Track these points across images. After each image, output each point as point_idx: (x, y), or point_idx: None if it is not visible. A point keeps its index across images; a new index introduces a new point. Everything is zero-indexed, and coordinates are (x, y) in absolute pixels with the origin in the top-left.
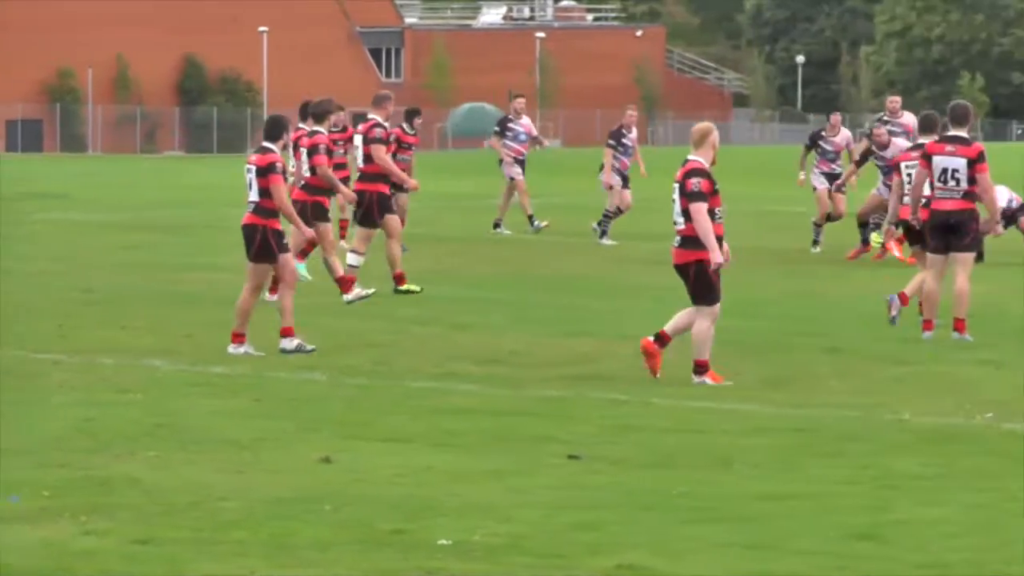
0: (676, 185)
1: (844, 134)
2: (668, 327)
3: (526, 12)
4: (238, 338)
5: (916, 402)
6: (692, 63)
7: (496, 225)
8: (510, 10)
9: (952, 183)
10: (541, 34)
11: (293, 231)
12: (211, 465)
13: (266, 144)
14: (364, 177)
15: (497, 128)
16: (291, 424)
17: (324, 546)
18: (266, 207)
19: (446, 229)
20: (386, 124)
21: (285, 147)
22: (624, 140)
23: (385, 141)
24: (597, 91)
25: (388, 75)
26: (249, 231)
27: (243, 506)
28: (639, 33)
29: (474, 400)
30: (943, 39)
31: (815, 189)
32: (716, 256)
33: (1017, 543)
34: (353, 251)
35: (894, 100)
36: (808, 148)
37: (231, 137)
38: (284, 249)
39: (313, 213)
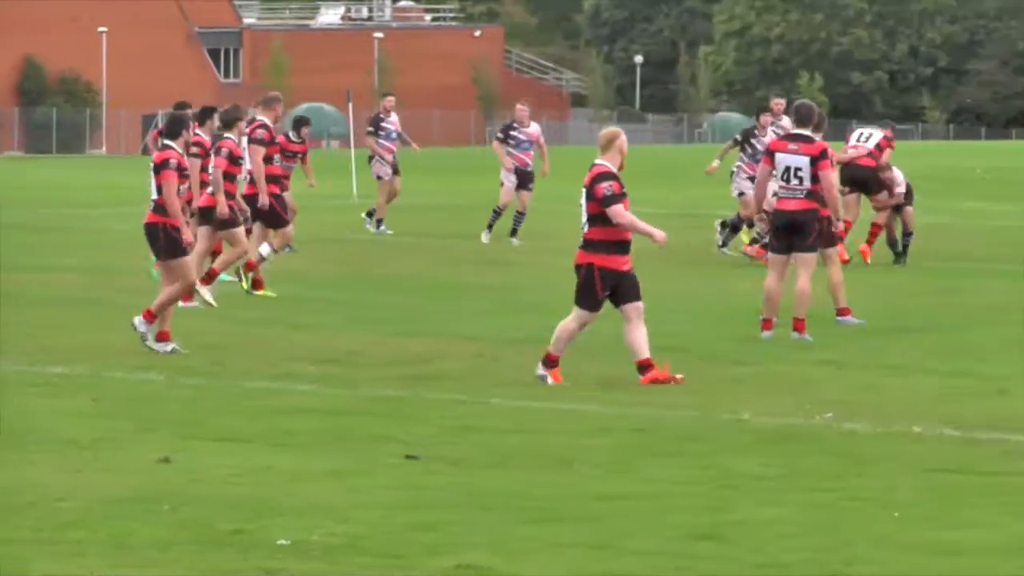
0: (584, 190)
1: (785, 121)
2: (551, 347)
3: (364, 12)
4: (163, 336)
5: (755, 402)
6: (530, 63)
7: (378, 223)
8: (348, 10)
9: (795, 182)
10: (379, 34)
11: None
12: (50, 465)
13: (166, 142)
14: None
15: (371, 128)
16: (129, 424)
17: (163, 546)
18: (163, 204)
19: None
20: (271, 126)
21: (187, 145)
22: (513, 134)
23: (266, 143)
24: (435, 91)
25: (227, 75)
26: (150, 229)
27: (82, 506)
28: (477, 33)
29: (312, 400)
30: (782, 39)
31: (741, 195)
32: (659, 234)
33: (856, 543)
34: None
35: (778, 102)
36: (736, 144)
37: (70, 138)
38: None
39: (233, 212)
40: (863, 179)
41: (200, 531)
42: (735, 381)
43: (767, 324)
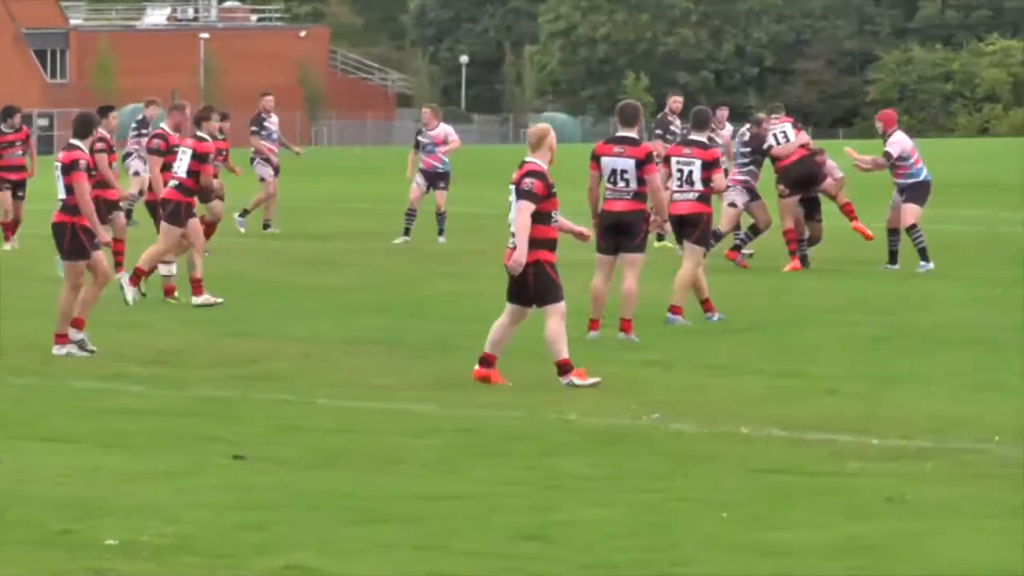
0: (512, 187)
1: (728, 129)
2: (487, 347)
3: (190, 13)
4: (60, 339)
5: (582, 403)
6: (356, 63)
7: (265, 226)
8: (174, 11)
9: (622, 184)
10: (205, 35)
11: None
12: None
13: (73, 141)
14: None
15: (254, 127)
16: None
17: None
18: (73, 204)
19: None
20: (169, 133)
21: (94, 143)
22: (420, 139)
23: (161, 152)
24: (261, 91)
25: (54, 76)
26: (58, 229)
27: None
28: (303, 34)
29: (140, 401)
30: (608, 39)
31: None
32: (518, 257)
33: (684, 544)
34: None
35: (722, 111)
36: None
37: None
38: (96, 247)
39: (187, 214)
40: (808, 174)
41: (29, 531)
42: None
43: (593, 324)
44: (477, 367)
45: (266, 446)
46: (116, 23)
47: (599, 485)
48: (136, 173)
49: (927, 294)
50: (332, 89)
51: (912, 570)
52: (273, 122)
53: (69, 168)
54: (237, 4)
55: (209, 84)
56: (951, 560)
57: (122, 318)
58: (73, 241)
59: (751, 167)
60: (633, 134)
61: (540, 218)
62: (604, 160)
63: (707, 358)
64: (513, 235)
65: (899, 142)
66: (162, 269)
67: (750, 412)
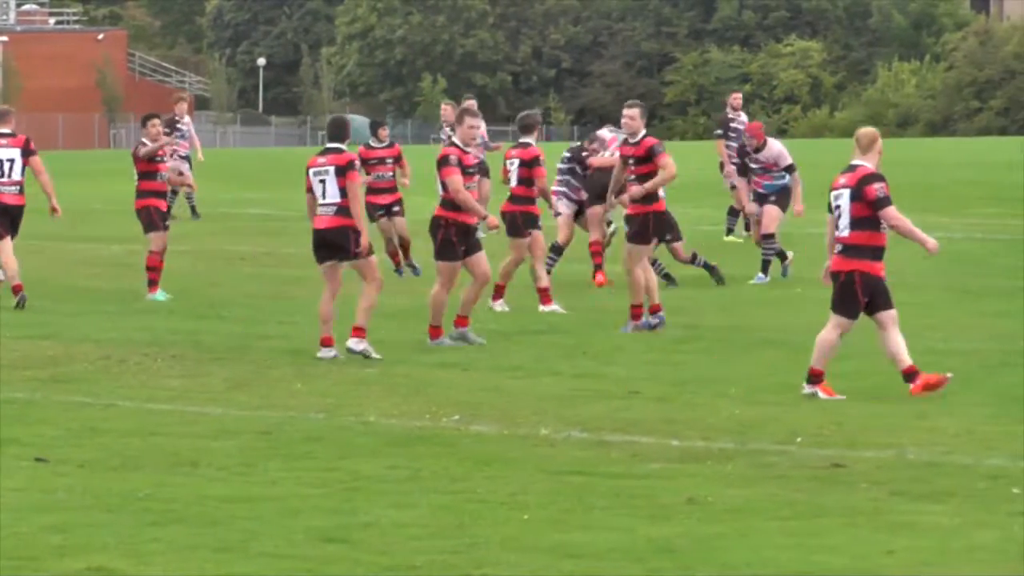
0: (847, 191)
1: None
2: (814, 362)
3: None
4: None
5: (381, 404)
6: (154, 66)
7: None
8: None
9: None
10: (3, 38)
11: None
12: None
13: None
14: None
15: (167, 129)
16: None
17: None
18: None
19: None
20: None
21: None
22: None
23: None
24: (59, 94)
25: None
26: None
27: None
28: (100, 36)
29: None
30: (405, 41)
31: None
32: (932, 242)
33: (486, 545)
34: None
35: (736, 96)
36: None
37: None
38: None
39: (524, 222)
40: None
41: None
42: (360, 383)
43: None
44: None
45: (66, 448)
46: None
47: (399, 487)
48: (181, 173)
49: (725, 296)
50: (130, 92)
51: (712, 572)
52: (186, 123)
53: None
54: (35, 7)
55: (8, 86)
56: (752, 561)
57: None
58: None
59: (568, 177)
60: (341, 145)
61: (869, 224)
62: (311, 171)
63: (505, 360)
64: (842, 244)
65: (781, 149)
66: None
67: (550, 413)
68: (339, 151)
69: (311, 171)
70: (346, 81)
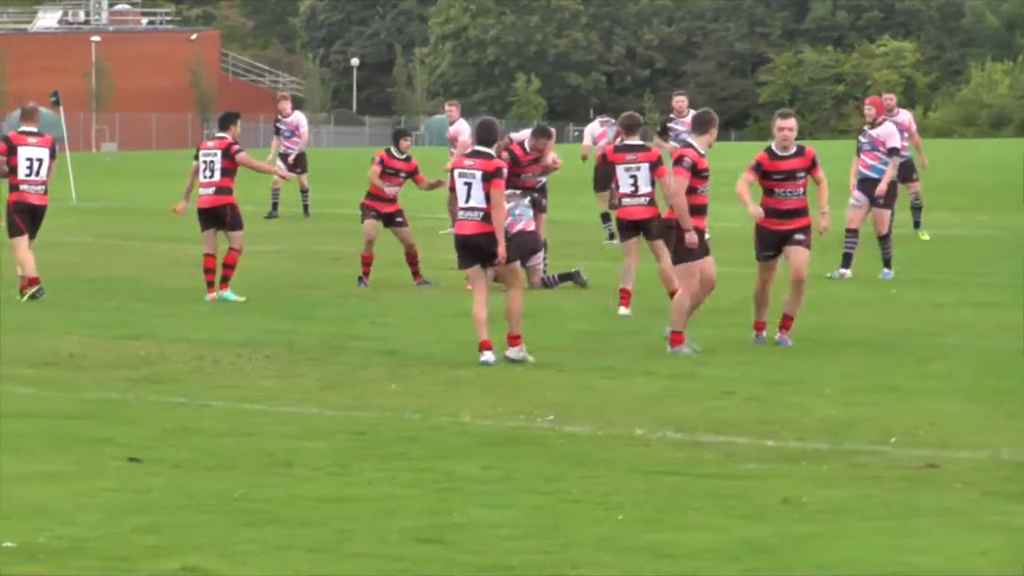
0: None
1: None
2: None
3: (81, 16)
4: (514, 340)
5: (476, 405)
6: (247, 66)
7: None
8: (65, 14)
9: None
10: (96, 38)
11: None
12: None
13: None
14: None
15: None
16: None
17: None
18: None
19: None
20: (20, 135)
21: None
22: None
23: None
24: (152, 94)
25: None
26: None
27: None
28: (193, 37)
29: (33, 403)
30: (498, 41)
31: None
32: None
33: (579, 546)
34: None
35: (679, 99)
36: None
37: None
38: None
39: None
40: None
41: None
42: (454, 384)
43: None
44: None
45: (160, 448)
46: (8, 26)
47: (494, 487)
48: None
49: (820, 296)
50: (223, 92)
51: (807, 572)
52: (286, 122)
53: None
54: (128, 7)
55: (100, 87)
56: (847, 561)
57: (14, 320)
58: None
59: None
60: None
61: None
62: (202, 152)
63: (599, 360)
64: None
65: (893, 130)
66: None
67: (644, 414)
68: (488, 156)
69: (456, 172)
70: (439, 81)
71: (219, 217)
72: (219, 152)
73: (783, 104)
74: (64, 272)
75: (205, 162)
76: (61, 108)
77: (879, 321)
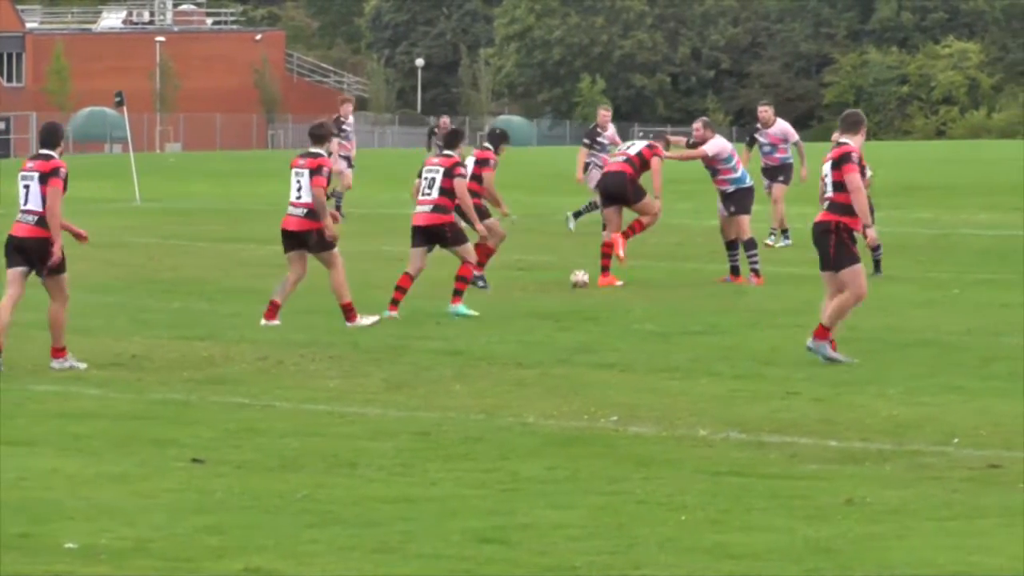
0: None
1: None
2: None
3: (146, 16)
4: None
5: (540, 405)
6: (312, 67)
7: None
8: (130, 14)
9: None
10: (161, 38)
11: None
12: None
13: (48, 152)
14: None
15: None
16: None
17: None
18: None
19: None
20: None
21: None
22: (344, 126)
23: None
24: (217, 94)
25: (11, 80)
26: (39, 244)
27: None
28: (258, 37)
29: (97, 404)
30: (563, 41)
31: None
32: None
33: (643, 545)
34: None
35: (764, 110)
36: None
37: None
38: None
39: None
40: (617, 188)
41: None
42: (519, 384)
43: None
44: None
45: (224, 449)
46: (72, 26)
47: (558, 488)
48: (339, 172)
49: (883, 296)
50: (288, 92)
51: (871, 572)
52: (350, 124)
53: (47, 176)
54: (192, 7)
55: (165, 87)
56: (910, 562)
57: (79, 322)
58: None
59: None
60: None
61: None
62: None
63: (663, 360)
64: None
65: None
66: None
67: (708, 414)
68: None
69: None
70: (504, 82)
71: (438, 235)
72: (442, 170)
73: (848, 105)
74: (128, 273)
75: (426, 179)
76: (125, 108)
77: (943, 321)
